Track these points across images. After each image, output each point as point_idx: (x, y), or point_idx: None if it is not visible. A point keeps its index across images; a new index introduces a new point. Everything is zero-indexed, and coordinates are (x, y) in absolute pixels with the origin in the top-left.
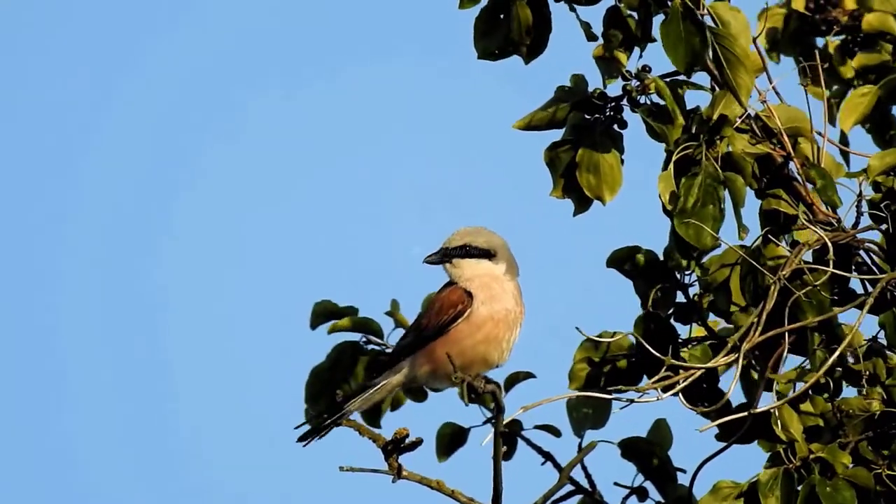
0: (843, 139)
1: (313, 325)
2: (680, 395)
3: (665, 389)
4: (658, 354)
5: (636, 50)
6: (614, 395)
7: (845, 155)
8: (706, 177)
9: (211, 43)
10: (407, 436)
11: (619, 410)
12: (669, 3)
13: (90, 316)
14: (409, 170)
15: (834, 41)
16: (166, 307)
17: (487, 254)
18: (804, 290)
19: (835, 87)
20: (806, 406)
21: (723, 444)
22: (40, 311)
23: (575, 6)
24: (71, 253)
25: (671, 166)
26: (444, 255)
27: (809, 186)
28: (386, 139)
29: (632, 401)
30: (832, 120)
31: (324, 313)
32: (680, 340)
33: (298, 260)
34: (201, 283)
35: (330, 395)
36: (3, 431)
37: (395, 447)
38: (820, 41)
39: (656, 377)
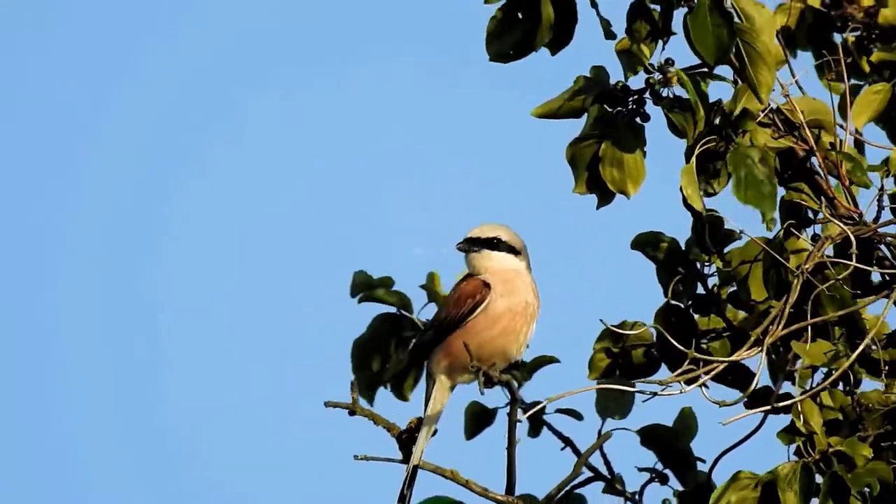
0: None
1: (354, 294)
2: (702, 388)
3: (688, 382)
4: (682, 347)
5: (658, 44)
6: (638, 388)
7: (859, 147)
8: (746, 151)
9: (211, 43)
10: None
11: (641, 403)
12: None
13: (89, 315)
14: (409, 169)
15: (850, 37)
16: (165, 307)
17: (513, 250)
18: (827, 284)
19: (852, 83)
20: (825, 399)
21: (744, 435)
22: (40, 311)
23: (596, 3)
24: (70, 252)
25: (693, 160)
26: (475, 245)
27: (831, 180)
28: (387, 139)
29: (655, 394)
30: (844, 114)
31: (363, 284)
32: (700, 332)
33: (298, 260)
34: (201, 283)
35: (370, 367)
36: (2, 430)
37: (410, 436)
38: (837, 37)
39: (679, 370)
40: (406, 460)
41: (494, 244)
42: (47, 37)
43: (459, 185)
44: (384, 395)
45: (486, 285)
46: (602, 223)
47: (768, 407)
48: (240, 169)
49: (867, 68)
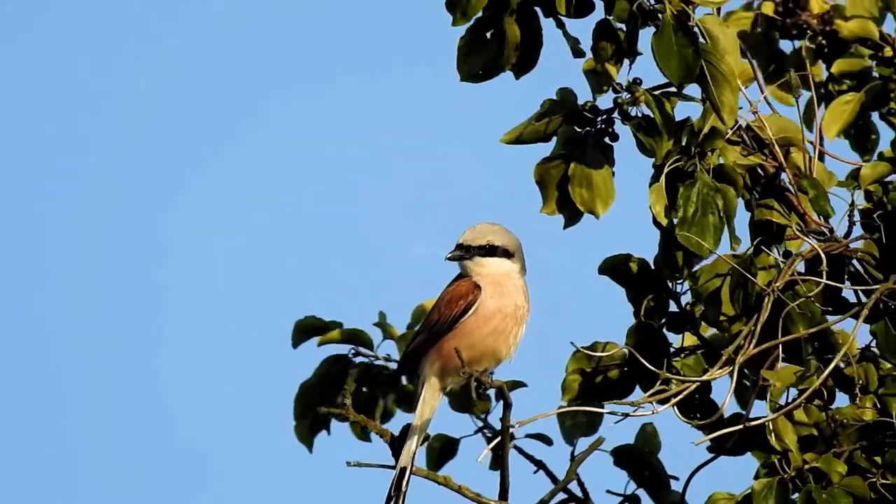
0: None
1: (295, 344)
2: (675, 408)
3: (660, 403)
4: (653, 368)
5: (625, 63)
6: (609, 410)
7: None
8: (703, 186)
9: (209, 50)
10: None
11: (613, 424)
12: (660, 16)
13: (91, 317)
14: (409, 169)
15: (804, 45)
16: (167, 312)
17: (507, 253)
18: (797, 302)
19: (808, 95)
20: (799, 415)
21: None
22: (43, 310)
23: (562, 22)
24: (73, 253)
25: (662, 178)
26: (467, 252)
27: (801, 196)
28: (386, 139)
29: (627, 415)
30: (809, 124)
31: (307, 329)
32: (672, 349)
33: (299, 260)
34: (202, 285)
35: (314, 412)
36: (6, 430)
37: (402, 443)
38: (784, 46)
39: (651, 391)
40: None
41: (487, 250)
42: (52, 33)
43: (459, 185)
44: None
45: (477, 286)
46: (572, 241)
47: (741, 426)
48: (240, 169)
49: (820, 77)
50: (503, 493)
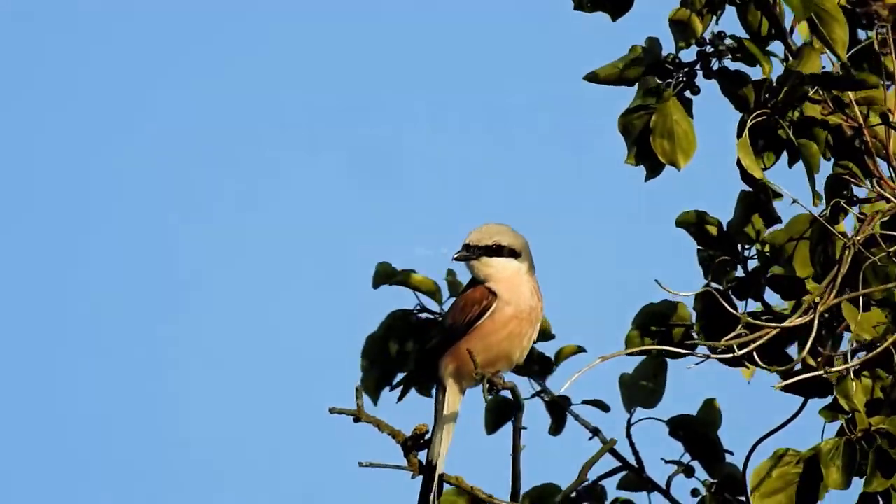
0: None
1: (376, 285)
2: (755, 353)
3: (741, 347)
4: (735, 312)
5: (712, 17)
6: (691, 352)
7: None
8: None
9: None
10: (427, 432)
11: (693, 366)
12: None
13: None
14: (410, 169)
15: (875, 36)
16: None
17: (513, 253)
18: (879, 255)
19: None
20: (866, 379)
21: (779, 423)
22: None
23: None
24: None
25: (746, 133)
26: (474, 253)
27: (878, 160)
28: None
29: (708, 356)
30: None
31: (386, 274)
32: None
33: (300, 259)
34: (208, 286)
35: (384, 361)
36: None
37: (415, 443)
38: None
39: (731, 335)
40: (411, 467)
41: (494, 250)
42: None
43: (459, 185)
44: (388, 403)
45: (492, 292)
46: (657, 194)
47: (821, 372)
48: (239, 169)
49: (892, 66)
50: (515, 495)
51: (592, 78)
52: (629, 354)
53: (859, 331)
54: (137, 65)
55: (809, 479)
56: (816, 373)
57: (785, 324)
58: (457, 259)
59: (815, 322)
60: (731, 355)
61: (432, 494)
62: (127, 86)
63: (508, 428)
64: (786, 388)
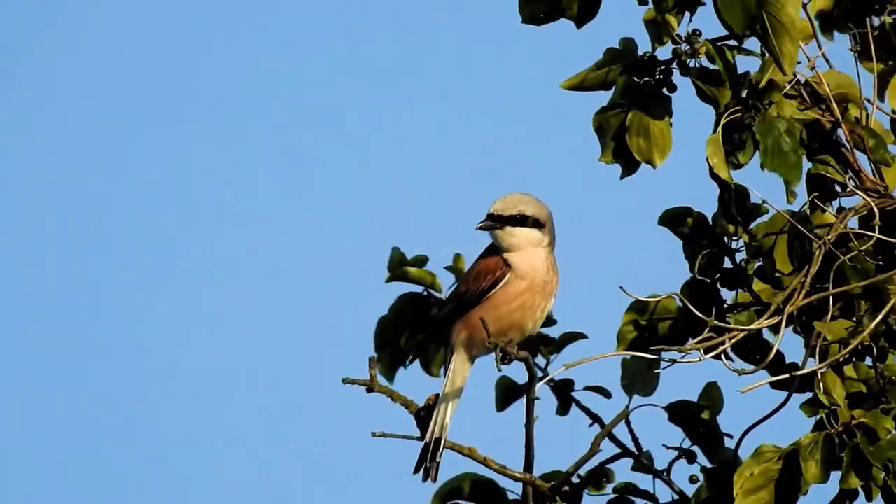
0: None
1: (391, 269)
2: (723, 356)
3: (707, 351)
4: (701, 315)
5: (685, 15)
6: (657, 356)
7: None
8: (778, 122)
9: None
10: None
11: (661, 370)
12: None
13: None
14: (409, 169)
15: (888, 19)
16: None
17: (538, 223)
18: (849, 256)
19: (890, 63)
20: (849, 371)
21: (767, 412)
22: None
23: None
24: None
25: (719, 130)
26: (498, 222)
27: (857, 154)
28: (386, 138)
29: (674, 361)
30: (881, 95)
31: (401, 261)
32: (726, 306)
33: (301, 260)
34: (217, 271)
35: (395, 345)
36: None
37: (428, 413)
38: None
39: (699, 338)
40: (423, 437)
41: (518, 219)
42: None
43: (459, 184)
44: (403, 375)
45: (507, 263)
46: (628, 196)
47: (786, 375)
48: (239, 169)
49: None
50: (528, 465)
51: (570, 85)
52: (597, 359)
53: (832, 337)
54: None
55: (790, 475)
56: (783, 376)
57: (753, 326)
58: (480, 228)
59: (783, 325)
60: (697, 359)
61: (429, 456)
62: None
63: (518, 404)
64: (772, 385)
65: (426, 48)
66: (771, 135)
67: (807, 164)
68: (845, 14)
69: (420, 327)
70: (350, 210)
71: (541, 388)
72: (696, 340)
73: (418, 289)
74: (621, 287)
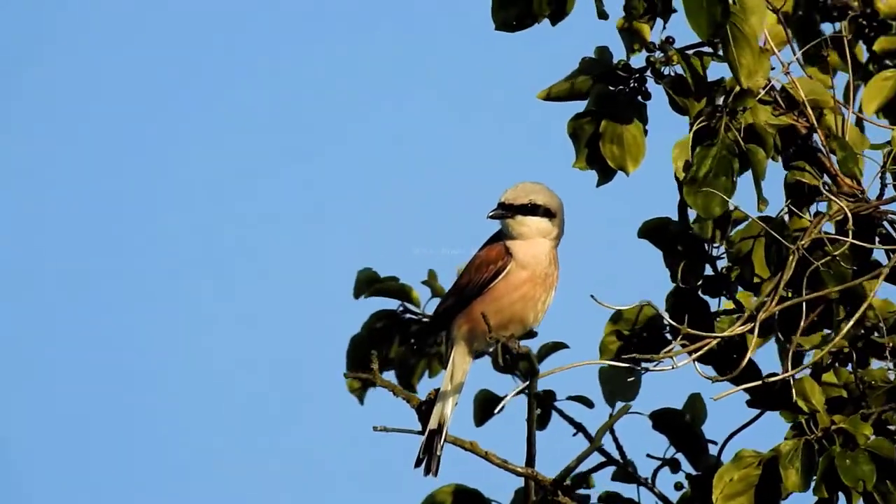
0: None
1: (357, 294)
2: (695, 364)
3: (681, 359)
4: (674, 324)
5: (659, 21)
6: (631, 364)
7: (862, 127)
8: (722, 148)
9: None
10: None
11: (633, 378)
12: None
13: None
14: (409, 168)
15: (846, 26)
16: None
17: (549, 213)
18: (823, 261)
19: (845, 74)
20: (829, 377)
21: (750, 417)
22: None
23: None
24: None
25: (690, 135)
26: (509, 211)
27: (833, 158)
28: (386, 137)
29: (647, 369)
30: (848, 102)
31: (368, 281)
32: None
33: (300, 259)
34: (209, 279)
35: (365, 365)
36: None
37: (430, 408)
38: (827, 28)
39: (669, 346)
40: (424, 431)
41: (529, 209)
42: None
43: (459, 184)
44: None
45: (508, 252)
46: (609, 203)
47: (758, 382)
48: (239, 169)
49: (861, 58)
50: (530, 460)
51: (545, 96)
52: (572, 368)
53: (809, 345)
54: None
55: (769, 481)
56: (754, 383)
57: (724, 334)
58: (492, 217)
59: (756, 332)
60: (670, 367)
61: (429, 449)
62: None
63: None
64: (749, 402)
65: (427, 47)
66: (705, 163)
67: (779, 170)
68: (798, 23)
69: (395, 343)
70: (350, 210)
71: (516, 410)
72: (666, 349)
73: (393, 304)
74: (592, 296)
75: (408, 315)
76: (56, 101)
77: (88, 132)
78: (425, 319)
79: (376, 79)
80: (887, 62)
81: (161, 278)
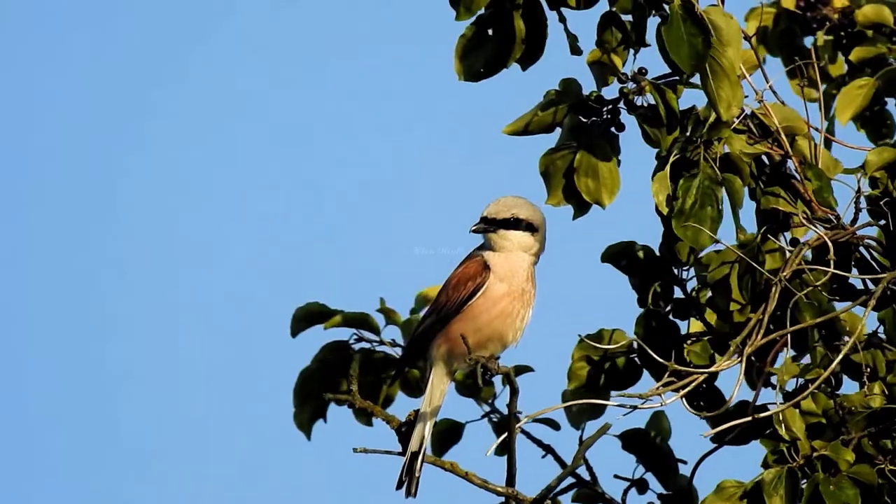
0: (833, 135)
1: (294, 333)
2: (683, 399)
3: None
4: (661, 360)
5: (630, 54)
6: (617, 402)
7: (830, 147)
8: (704, 178)
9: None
10: None
11: (622, 417)
12: (666, 6)
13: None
14: (409, 168)
15: (822, 37)
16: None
17: (531, 227)
18: (805, 291)
19: (824, 87)
20: (807, 403)
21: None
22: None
23: (564, 17)
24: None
25: (667, 168)
26: (491, 225)
27: (808, 184)
28: (386, 137)
29: (635, 407)
30: (828, 116)
31: (306, 317)
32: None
33: (300, 258)
34: (194, 276)
35: (315, 399)
36: None
37: (409, 429)
38: (807, 41)
39: (660, 383)
40: (405, 452)
41: (511, 223)
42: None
43: (458, 183)
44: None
45: (486, 267)
46: (582, 232)
47: (748, 418)
48: (239, 169)
49: (839, 71)
50: (510, 479)
51: (512, 130)
52: (564, 406)
53: (790, 376)
54: None
55: None
56: (745, 419)
57: (712, 369)
58: (474, 231)
59: (743, 367)
60: (659, 405)
61: (404, 472)
62: None
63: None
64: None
65: (428, 50)
66: (690, 194)
67: (751, 202)
68: (779, 37)
69: (351, 373)
70: (350, 210)
71: (483, 426)
72: (656, 386)
73: (344, 335)
74: (579, 335)
75: (361, 344)
76: (53, 99)
77: (83, 131)
78: (382, 347)
79: (377, 78)
80: (866, 71)
81: (159, 280)
